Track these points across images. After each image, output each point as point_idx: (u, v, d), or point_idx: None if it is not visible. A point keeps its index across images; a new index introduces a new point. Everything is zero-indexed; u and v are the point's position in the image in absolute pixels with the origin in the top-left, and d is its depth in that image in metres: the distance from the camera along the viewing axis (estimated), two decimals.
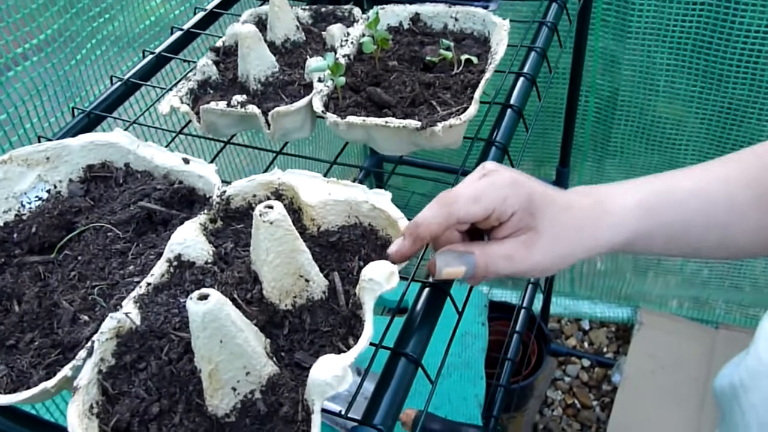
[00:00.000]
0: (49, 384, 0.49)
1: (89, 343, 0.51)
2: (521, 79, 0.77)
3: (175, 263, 0.57)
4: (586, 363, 1.94)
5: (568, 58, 1.36)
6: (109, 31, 0.98)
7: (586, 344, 1.99)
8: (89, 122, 0.82)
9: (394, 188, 1.73)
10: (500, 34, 0.75)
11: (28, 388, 0.50)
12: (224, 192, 0.62)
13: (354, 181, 0.63)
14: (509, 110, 0.74)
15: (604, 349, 1.97)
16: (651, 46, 1.39)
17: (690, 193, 0.57)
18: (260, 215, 0.51)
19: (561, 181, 1.58)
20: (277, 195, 0.63)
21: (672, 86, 1.44)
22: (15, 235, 0.62)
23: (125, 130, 0.81)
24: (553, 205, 0.54)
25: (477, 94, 0.67)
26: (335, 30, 0.79)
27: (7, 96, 0.83)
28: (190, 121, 0.75)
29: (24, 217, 0.64)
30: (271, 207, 0.51)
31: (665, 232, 0.57)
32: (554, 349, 1.90)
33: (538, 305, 1.77)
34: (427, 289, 0.58)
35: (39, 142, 0.78)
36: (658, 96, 1.47)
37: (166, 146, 0.77)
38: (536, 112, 0.85)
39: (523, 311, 1.36)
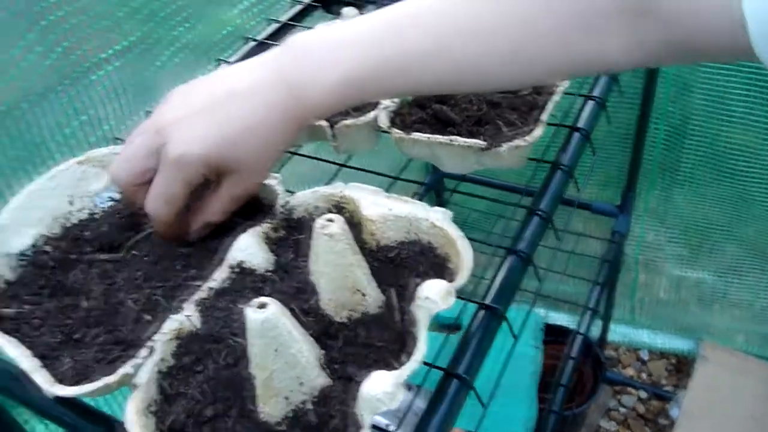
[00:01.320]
0: (111, 379, 0.50)
1: (151, 343, 0.52)
2: (590, 102, 0.76)
3: (236, 269, 0.58)
4: (643, 394, 1.88)
5: (639, 82, 1.33)
6: (188, 39, 1.01)
7: (644, 375, 1.94)
8: None
9: (454, 204, 1.73)
10: None
11: (91, 381, 0.51)
12: (287, 202, 0.63)
13: (414, 196, 0.64)
14: (576, 133, 0.73)
15: (663, 381, 1.91)
16: (726, 74, 1.35)
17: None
18: (321, 228, 0.52)
19: (626, 206, 1.55)
20: (339, 208, 0.63)
21: (747, 115, 1.39)
22: (87, 234, 0.65)
23: None
24: (234, 135, 0.55)
25: (544, 117, 0.66)
26: None
27: (89, 98, 0.87)
28: None
29: (96, 217, 0.67)
30: (331, 220, 0.52)
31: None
32: (610, 378, 1.86)
33: (595, 331, 1.73)
34: (482, 311, 0.57)
35: (115, 143, 0.82)
36: (732, 125, 1.43)
37: None
38: (605, 136, 0.84)
39: (579, 337, 1.33)
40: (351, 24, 0.54)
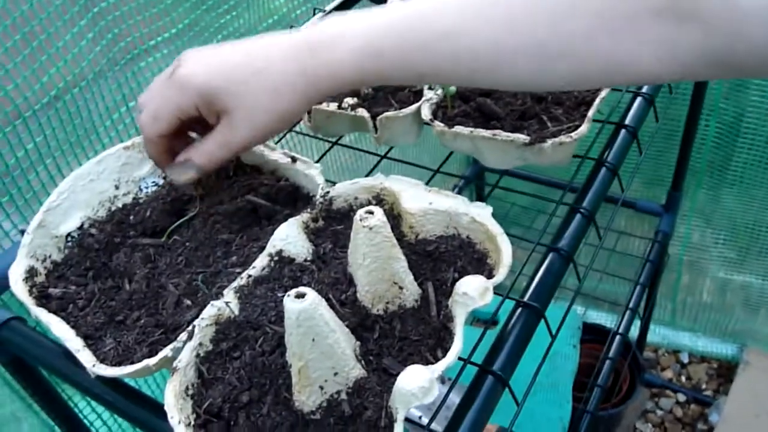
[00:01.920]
0: (151, 362, 0.51)
1: (190, 327, 0.53)
2: (639, 98, 0.74)
3: (276, 258, 0.59)
4: (682, 398, 1.84)
5: None
6: (234, 27, 1.02)
7: (683, 378, 1.90)
8: None
9: (495, 198, 1.71)
10: None
11: (132, 363, 0.52)
12: (327, 193, 0.63)
13: (455, 189, 0.63)
14: (623, 131, 0.71)
15: (703, 386, 1.87)
16: None
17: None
18: (360, 220, 0.52)
19: (672, 205, 1.52)
20: (379, 200, 0.63)
21: None
22: (131, 218, 0.66)
23: None
24: (243, 74, 0.53)
25: (591, 113, 0.65)
26: None
27: (138, 85, 0.88)
28: (301, 119, 0.77)
29: (140, 201, 0.68)
30: (371, 212, 0.52)
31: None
32: (648, 380, 1.82)
33: (634, 332, 1.70)
34: (520, 309, 0.56)
35: None
36: None
37: (277, 142, 0.79)
38: (652, 134, 0.82)
39: (618, 337, 1.31)
40: (380, 7, 0.54)
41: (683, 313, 1.88)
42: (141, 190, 0.69)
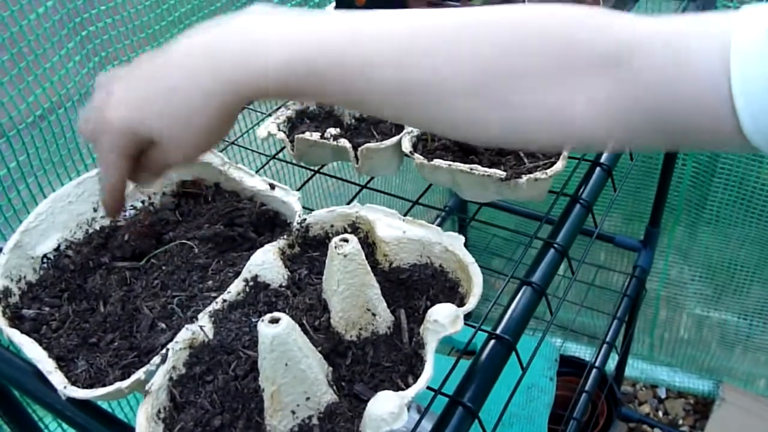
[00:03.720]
0: (124, 384, 0.51)
1: (164, 350, 0.53)
2: None
3: (251, 283, 0.59)
4: None
5: None
6: None
7: (660, 413, 1.90)
8: None
9: (477, 229, 1.73)
10: None
11: (104, 385, 0.52)
12: (304, 220, 0.64)
13: (437, 218, 0.64)
14: (598, 168, 0.73)
15: (680, 422, 1.87)
16: None
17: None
18: (335, 247, 0.53)
19: (650, 241, 1.54)
20: (354, 228, 0.64)
21: None
22: (109, 241, 0.66)
23: (224, 149, 0.86)
24: (156, 100, 0.48)
25: (566, 151, 0.67)
26: None
27: None
28: (284, 147, 0.78)
29: (118, 224, 0.68)
30: (346, 240, 0.53)
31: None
32: (625, 414, 1.83)
33: (612, 365, 1.71)
34: (493, 341, 0.57)
35: None
36: (762, 164, 1.41)
37: (259, 170, 0.80)
38: (627, 171, 0.83)
39: (594, 370, 1.32)
40: (319, 14, 0.48)
41: (661, 348, 1.89)
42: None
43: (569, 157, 0.69)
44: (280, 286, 0.60)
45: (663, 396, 1.93)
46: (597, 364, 1.32)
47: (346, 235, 0.53)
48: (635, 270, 1.51)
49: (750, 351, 1.77)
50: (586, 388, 1.29)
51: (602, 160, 0.74)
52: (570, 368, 1.59)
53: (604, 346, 1.36)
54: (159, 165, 0.52)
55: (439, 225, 1.53)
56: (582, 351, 1.90)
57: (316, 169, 0.80)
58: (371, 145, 0.71)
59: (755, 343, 1.75)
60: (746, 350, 1.77)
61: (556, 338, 1.80)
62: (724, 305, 1.73)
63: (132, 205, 0.70)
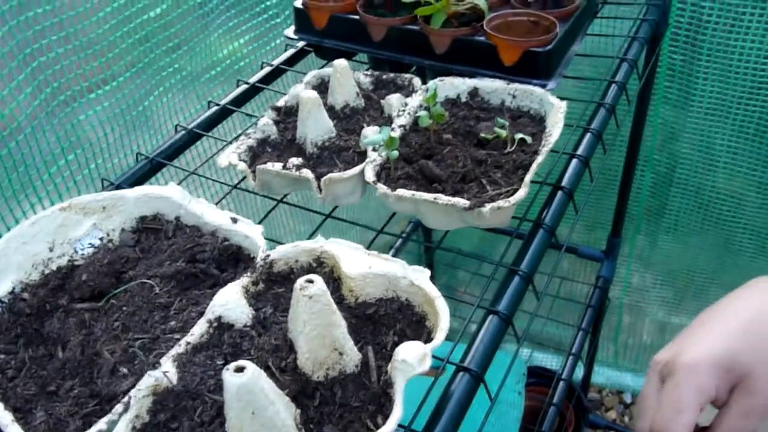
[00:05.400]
0: None
1: (126, 398, 0.52)
2: (574, 160, 0.77)
3: (215, 324, 0.58)
4: None
5: (625, 130, 1.35)
6: (176, 79, 1.02)
7: (626, 419, 1.93)
8: (151, 168, 0.85)
9: (441, 249, 1.73)
10: (556, 116, 0.75)
11: None
12: (268, 256, 0.63)
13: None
14: (560, 192, 0.73)
15: None
16: (712, 126, 1.37)
17: None
18: (300, 289, 0.52)
19: (612, 251, 1.56)
20: (319, 262, 0.64)
21: (732, 167, 1.41)
22: (66, 281, 0.65)
23: (184, 179, 0.84)
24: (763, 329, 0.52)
25: (528, 178, 0.67)
26: (393, 100, 0.81)
27: (77, 137, 0.87)
28: (246, 176, 0.77)
29: (76, 263, 0.66)
30: (311, 281, 0.52)
31: None
32: (593, 421, 1.85)
33: (579, 373, 1.73)
34: (461, 374, 0.57)
35: (102, 184, 0.82)
36: (717, 176, 1.44)
37: (220, 201, 0.79)
38: (588, 191, 0.84)
39: (562, 383, 1.33)
40: None
41: (625, 354, 1.92)
42: (76, 251, 0.67)
43: (532, 182, 0.69)
44: (245, 325, 0.59)
45: (629, 401, 1.96)
46: (564, 376, 1.34)
47: (311, 276, 0.52)
48: (598, 281, 1.53)
49: None
50: (554, 400, 1.30)
51: (563, 183, 0.74)
52: (537, 378, 1.60)
53: (571, 357, 1.37)
54: (741, 414, 0.51)
55: (402, 243, 1.53)
56: (548, 360, 1.91)
57: (279, 198, 0.79)
58: (334, 175, 0.70)
59: None
60: None
61: (524, 348, 1.81)
62: (685, 310, 1.77)
63: (90, 243, 0.68)
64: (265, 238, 0.66)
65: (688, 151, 1.44)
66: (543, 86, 0.83)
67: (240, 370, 0.47)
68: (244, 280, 0.61)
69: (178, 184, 0.79)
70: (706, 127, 1.38)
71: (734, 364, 0.51)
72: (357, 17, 0.93)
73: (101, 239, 0.69)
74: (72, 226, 0.67)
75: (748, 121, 1.33)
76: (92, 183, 0.90)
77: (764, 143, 1.33)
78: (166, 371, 0.54)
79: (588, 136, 0.80)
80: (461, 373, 0.57)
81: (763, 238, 1.48)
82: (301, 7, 0.98)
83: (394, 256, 1.54)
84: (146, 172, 0.85)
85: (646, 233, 1.65)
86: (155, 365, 0.55)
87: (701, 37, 1.26)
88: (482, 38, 0.86)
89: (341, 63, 0.82)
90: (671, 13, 1.23)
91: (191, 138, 0.90)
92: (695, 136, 1.40)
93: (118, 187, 0.80)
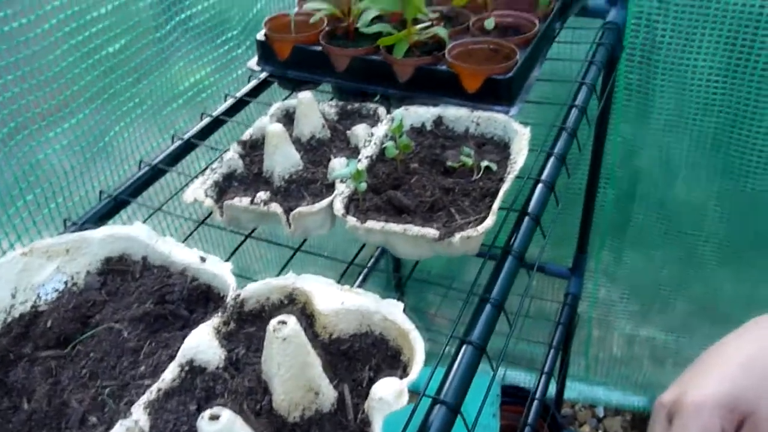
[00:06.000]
0: None
1: None
2: (540, 185, 0.78)
3: (186, 368, 0.57)
4: None
5: (587, 148, 1.37)
6: (138, 113, 1.01)
7: None
8: (115, 206, 0.84)
9: (411, 278, 1.73)
10: (520, 142, 0.76)
11: None
12: (239, 295, 0.62)
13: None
14: (527, 218, 0.74)
15: None
16: (670, 141, 1.40)
17: None
18: (273, 330, 0.51)
19: (578, 268, 1.58)
20: (291, 299, 0.63)
21: (691, 180, 1.44)
22: (30, 329, 0.63)
23: (149, 217, 0.83)
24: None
25: (495, 206, 0.68)
26: (359, 130, 0.81)
27: (36, 178, 0.85)
28: (213, 212, 0.76)
29: (40, 310, 0.65)
30: (284, 322, 0.52)
31: None
32: None
33: (552, 389, 1.74)
34: (437, 406, 0.57)
35: (65, 223, 0.80)
36: (677, 189, 1.48)
37: (187, 238, 0.78)
38: (554, 216, 0.85)
39: (536, 402, 1.34)
40: None
41: (596, 368, 1.94)
42: (40, 297, 0.66)
43: (498, 208, 0.69)
44: (218, 368, 0.58)
45: (601, 415, 1.97)
46: (537, 395, 1.34)
47: (284, 317, 0.52)
48: (567, 297, 1.54)
49: (679, 365, 1.83)
50: (529, 420, 1.30)
51: (530, 209, 0.75)
52: (511, 398, 1.60)
53: (543, 376, 1.38)
54: None
55: (371, 268, 1.53)
56: (521, 378, 1.92)
57: (247, 233, 0.78)
58: (303, 209, 0.70)
59: (684, 356, 1.81)
60: (676, 365, 1.84)
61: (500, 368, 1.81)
62: (652, 323, 1.79)
63: (54, 288, 0.67)
64: (236, 275, 0.65)
65: (648, 166, 1.47)
66: (506, 112, 0.84)
67: (215, 417, 0.46)
68: (215, 320, 0.60)
69: (144, 221, 0.78)
70: (665, 142, 1.41)
71: (738, 403, 0.52)
72: (320, 48, 0.93)
73: (65, 283, 0.67)
74: (34, 270, 0.66)
75: (705, 135, 1.36)
76: (53, 223, 0.88)
77: (721, 155, 1.37)
78: (138, 420, 0.53)
79: (552, 160, 0.81)
80: (438, 405, 0.57)
81: (725, 249, 1.51)
82: (263, 39, 0.98)
83: (363, 280, 1.53)
84: (110, 209, 0.83)
85: (611, 248, 1.67)
86: (126, 413, 0.53)
87: (656, 57, 1.30)
88: (444, 67, 0.87)
89: (306, 96, 0.82)
90: (626, 35, 1.26)
91: (155, 173, 0.89)
92: (654, 151, 1.44)
93: (82, 226, 0.79)
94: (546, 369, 1.40)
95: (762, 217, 1.40)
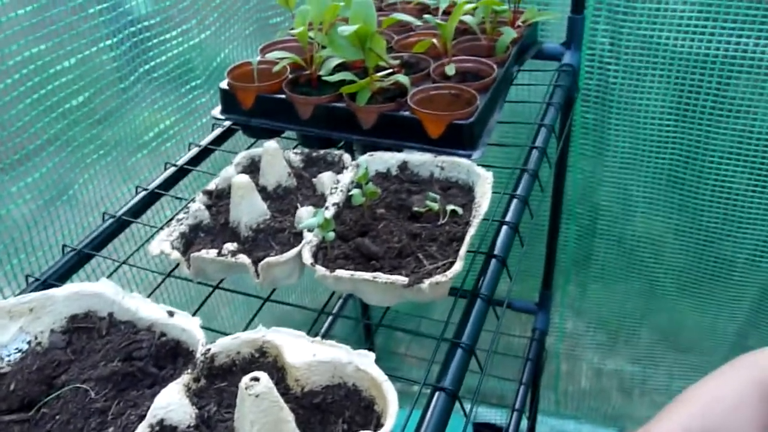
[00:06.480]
0: None
1: None
2: (504, 227, 0.79)
3: (157, 428, 0.56)
4: None
5: (548, 186, 1.40)
6: (102, 165, 1.00)
7: None
8: (79, 260, 0.83)
9: (382, 325, 1.73)
10: (484, 186, 0.78)
11: None
12: (208, 350, 0.62)
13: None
14: (493, 260, 0.75)
15: None
16: (627, 177, 1.44)
17: None
18: (246, 388, 0.51)
19: (544, 303, 1.60)
20: (261, 352, 0.63)
21: (649, 215, 1.49)
22: None
23: (115, 270, 0.82)
24: (718, 412, 0.57)
25: (462, 251, 0.69)
26: (325, 178, 0.82)
27: None
28: (180, 264, 0.76)
29: (2, 372, 0.63)
30: (257, 379, 0.51)
31: None
32: None
33: (523, 425, 1.74)
34: None
35: (27, 280, 0.78)
36: (636, 223, 1.52)
37: (153, 291, 0.77)
38: (519, 255, 0.87)
39: None
40: None
41: (566, 402, 1.95)
42: (2, 358, 0.64)
43: (467, 251, 0.71)
44: (189, 426, 0.57)
45: None
46: None
47: (256, 373, 0.51)
48: (534, 333, 1.56)
49: (646, 394, 1.86)
50: None
51: (496, 251, 0.76)
52: None
53: (515, 413, 1.39)
54: None
55: (339, 311, 1.52)
56: (491, 414, 1.92)
57: (214, 284, 0.78)
58: (272, 259, 0.70)
59: (650, 385, 1.84)
60: (643, 394, 1.86)
61: (467, 404, 1.81)
62: (619, 354, 1.82)
63: (17, 348, 0.65)
64: (204, 328, 0.64)
65: (607, 202, 1.51)
66: (469, 156, 0.85)
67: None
68: (185, 377, 0.60)
69: (109, 276, 0.77)
70: (623, 179, 1.45)
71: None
72: (283, 96, 0.94)
73: (29, 343, 0.66)
74: None
75: (660, 172, 1.41)
76: (15, 280, 0.86)
77: (677, 190, 1.41)
78: None
79: (515, 202, 0.83)
80: None
81: (684, 279, 1.55)
82: (226, 88, 0.98)
83: (331, 323, 1.51)
84: (74, 264, 0.82)
85: (575, 282, 1.70)
86: None
87: (610, 97, 1.34)
88: (407, 113, 0.89)
89: (272, 145, 0.82)
90: (581, 77, 1.31)
91: (120, 225, 0.88)
92: (612, 187, 1.48)
93: (45, 282, 0.78)
94: (517, 406, 1.40)
95: (717, 250, 1.45)
